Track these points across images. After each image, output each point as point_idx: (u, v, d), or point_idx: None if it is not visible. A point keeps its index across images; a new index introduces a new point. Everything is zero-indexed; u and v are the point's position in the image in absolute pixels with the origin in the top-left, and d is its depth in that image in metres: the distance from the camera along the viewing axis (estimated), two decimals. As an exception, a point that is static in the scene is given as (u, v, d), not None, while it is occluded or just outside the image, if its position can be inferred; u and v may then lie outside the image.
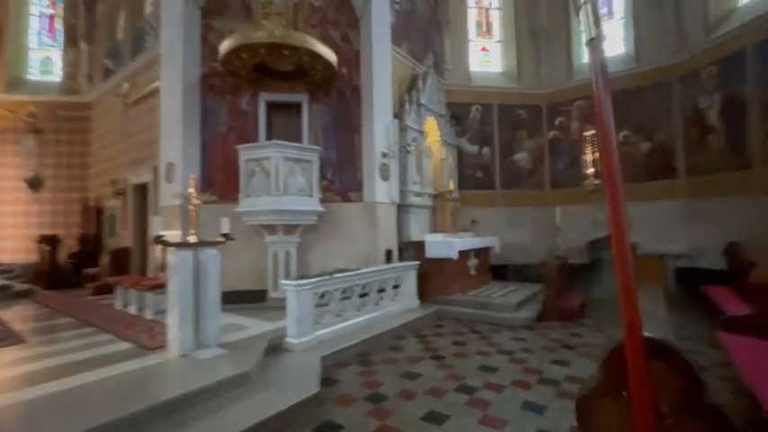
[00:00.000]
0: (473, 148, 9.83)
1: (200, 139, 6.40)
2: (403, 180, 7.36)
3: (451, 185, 8.69)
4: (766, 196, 6.79)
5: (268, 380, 3.51)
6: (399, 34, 8.10)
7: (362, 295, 5.55)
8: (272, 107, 6.67)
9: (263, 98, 6.59)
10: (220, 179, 6.39)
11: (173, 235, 4.46)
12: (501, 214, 9.83)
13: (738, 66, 7.24)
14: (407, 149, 6.95)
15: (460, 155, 9.71)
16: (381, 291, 5.87)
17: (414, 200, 7.61)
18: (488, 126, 9.96)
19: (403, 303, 6.18)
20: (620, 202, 1.35)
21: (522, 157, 10.07)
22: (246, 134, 6.48)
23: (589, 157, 7.35)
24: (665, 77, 8.62)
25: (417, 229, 7.64)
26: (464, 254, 7.08)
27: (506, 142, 10.01)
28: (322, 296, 4.82)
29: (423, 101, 7.96)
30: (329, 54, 5.62)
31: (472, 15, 10.65)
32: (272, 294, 5.92)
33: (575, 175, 9.70)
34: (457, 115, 9.59)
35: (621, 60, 9.36)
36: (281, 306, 4.78)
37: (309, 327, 4.51)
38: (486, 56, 10.67)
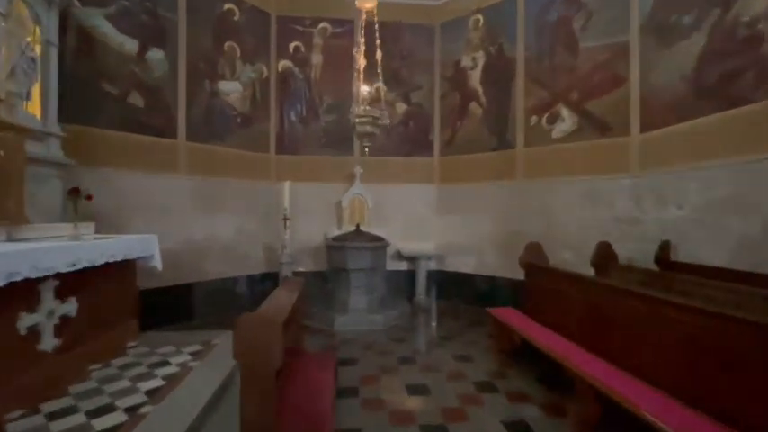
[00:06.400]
0: (121, 39, 4.58)
1: None
2: None
3: (36, 96, 3.28)
4: (527, 182, 5.55)
5: None
6: None
7: None
8: None
9: None
10: None
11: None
12: (186, 187, 5.16)
13: (509, 17, 5.76)
14: None
15: (84, 39, 4.28)
16: None
17: None
18: (165, 10, 4.97)
19: None
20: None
21: (233, 89, 5.72)
22: None
23: (362, 87, 3.55)
24: (427, 19, 6.52)
25: None
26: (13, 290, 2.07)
27: (204, 55, 5.37)
28: None
29: None
30: None
31: None
32: None
33: (311, 134, 6.34)
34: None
35: (379, -16, 6.70)
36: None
37: None
38: None
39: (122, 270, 3.42)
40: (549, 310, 3.60)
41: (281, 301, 2.61)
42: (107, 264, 3.06)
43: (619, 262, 4.07)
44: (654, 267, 4.01)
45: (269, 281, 5.95)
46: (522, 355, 3.65)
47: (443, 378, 3.39)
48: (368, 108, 3.29)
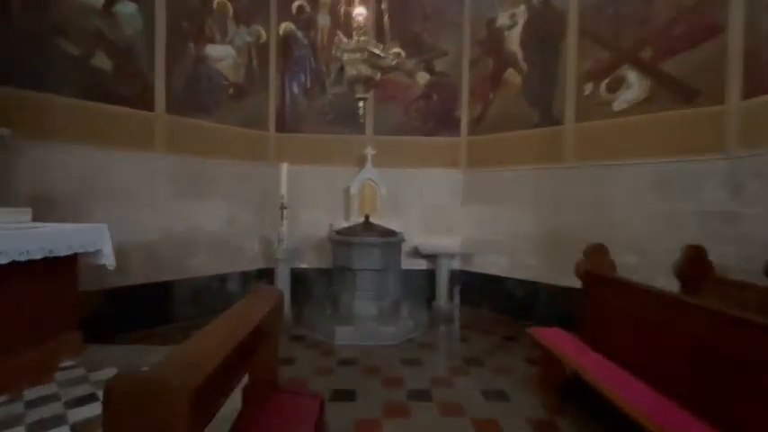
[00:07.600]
0: (84, -12, 3.81)
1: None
2: None
3: None
4: (578, 166, 4.46)
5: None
6: None
7: None
8: None
9: None
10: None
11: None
12: (166, 169, 4.40)
13: (559, -40, 4.61)
14: None
15: (38, -8, 3.53)
16: None
17: None
18: (140, -46, 4.15)
19: None
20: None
21: (225, 54, 4.89)
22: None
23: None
24: (455, -28, 5.44)
25: None
26: None
27: (188, 12, 4.53)
28: None
29: None
30: None
31: None
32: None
33: (316, 109, 5.45)
34: None
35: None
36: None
37: None
38: None
39: (56, 269, 2.66)
40: (620, 341, 2.58)
41: (225, 327, 1.74)
42: (22, 262, 2.30)
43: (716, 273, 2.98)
44: (762, 281, 2.91)
45: (266, 278, 5.17)
46: (576, 392, 2.68)
47: (470, 429, 2.46)
48: (363, 39, 2.29)
